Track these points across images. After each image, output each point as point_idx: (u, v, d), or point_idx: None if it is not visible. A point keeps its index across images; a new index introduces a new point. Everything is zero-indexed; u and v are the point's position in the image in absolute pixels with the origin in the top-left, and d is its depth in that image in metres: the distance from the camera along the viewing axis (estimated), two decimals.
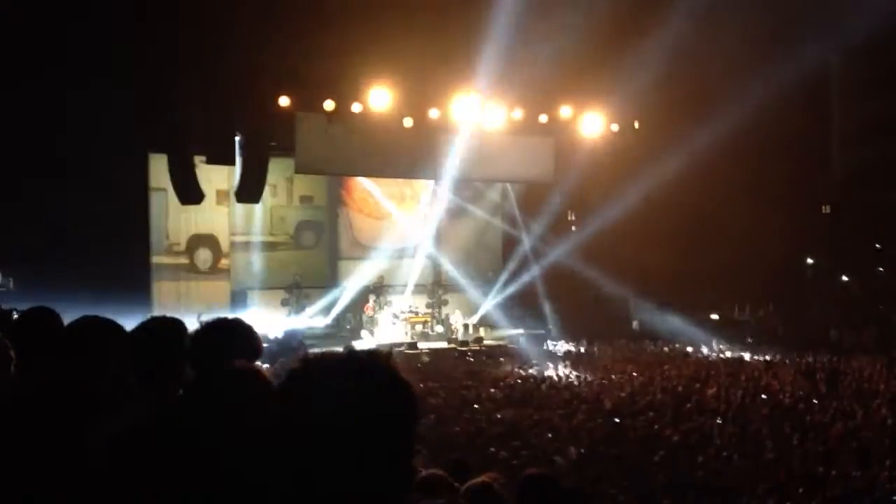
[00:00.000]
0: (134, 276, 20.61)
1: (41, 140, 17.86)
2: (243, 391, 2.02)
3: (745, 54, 21.90)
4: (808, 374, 17.33)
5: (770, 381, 16.17)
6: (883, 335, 24.13)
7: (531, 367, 19.25)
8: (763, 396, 14.11)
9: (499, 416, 12.35)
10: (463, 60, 20.66)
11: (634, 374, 17.76)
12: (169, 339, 3.06)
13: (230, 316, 3.12)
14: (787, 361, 19.86)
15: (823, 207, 29.15)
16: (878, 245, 28.29)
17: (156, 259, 22.83)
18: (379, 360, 1.46)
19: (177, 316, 3.25)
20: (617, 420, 11.86)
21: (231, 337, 2.92)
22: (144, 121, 19.02)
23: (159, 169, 21.20)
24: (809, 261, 29.09)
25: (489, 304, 26.11)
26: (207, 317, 3.04)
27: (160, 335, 3.09)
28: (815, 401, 13.50)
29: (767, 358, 20.65)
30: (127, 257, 20.18)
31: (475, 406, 13.25)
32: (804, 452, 9.56)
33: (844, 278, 28.66)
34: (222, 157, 20.47)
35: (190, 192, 20.55)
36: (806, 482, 8.23)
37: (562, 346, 23.64)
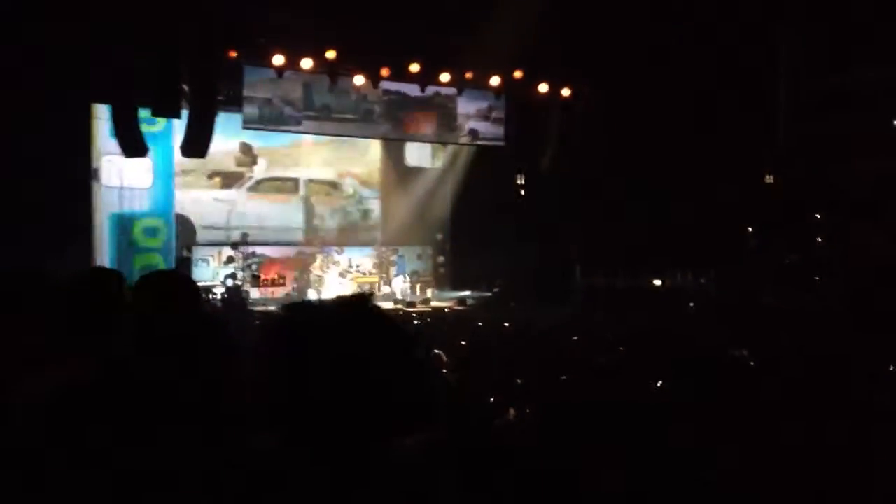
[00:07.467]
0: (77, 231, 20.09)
1: None
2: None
3: (691, 21, 21.95)
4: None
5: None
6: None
7: (479, 329, 19.30)
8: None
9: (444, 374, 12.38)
10: (418, 20, 20.39)
11: (575, 338, 17.91)
12: (108, 289, 2.93)
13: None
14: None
15: (766, 177, 29.63)
16: (818, 216, 28.91)
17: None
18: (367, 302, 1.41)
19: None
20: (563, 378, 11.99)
21: (174, 287, 2.83)
22: (86, 69, 18.35)
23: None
24: (750, 230, 29.60)
25: (436, 266, 26.12)
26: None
27: (99, 286, 2.96)
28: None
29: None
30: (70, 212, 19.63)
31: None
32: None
33: (784, 248, 29.26)
34: (167, 109, 19.93)
35: (134, 146, 19.98)
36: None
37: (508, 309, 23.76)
